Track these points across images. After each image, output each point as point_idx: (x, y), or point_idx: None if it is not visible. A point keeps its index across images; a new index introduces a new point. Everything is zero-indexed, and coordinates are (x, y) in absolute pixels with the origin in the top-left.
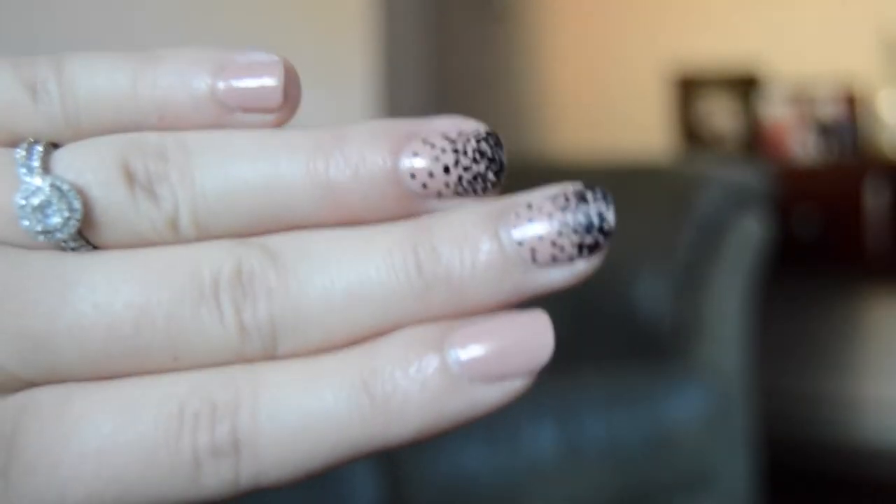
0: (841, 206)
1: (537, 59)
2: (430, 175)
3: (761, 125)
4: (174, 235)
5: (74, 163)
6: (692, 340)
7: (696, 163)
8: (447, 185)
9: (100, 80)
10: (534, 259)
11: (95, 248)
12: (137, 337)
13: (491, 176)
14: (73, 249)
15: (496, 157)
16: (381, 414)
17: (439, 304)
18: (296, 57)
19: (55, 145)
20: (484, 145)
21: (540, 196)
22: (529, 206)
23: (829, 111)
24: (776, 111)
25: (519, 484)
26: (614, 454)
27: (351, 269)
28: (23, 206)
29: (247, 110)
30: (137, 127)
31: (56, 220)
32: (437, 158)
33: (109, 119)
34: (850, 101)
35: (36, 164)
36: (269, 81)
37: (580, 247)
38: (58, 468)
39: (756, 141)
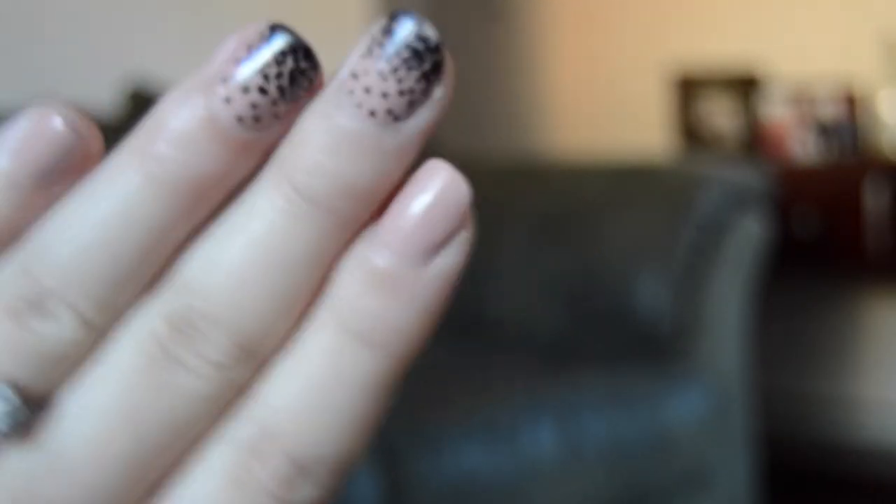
0: (841, 206)
1: (537, 59)
2: (252, 106)
3: (761, 125)
4: (93, 332)
5: None
6: (692, 340)
7: (696, 163)
8: (272, 102)
9: None
10: (392, 116)
11: (45, 398)
12: (145, 445)
13: (304, 65)
14: (30, 418)
15: (295, 45)
16: (382, 347)
17: (349, 213)
18: None
19: None
20: (277, 43)
21: (356, 60)
22: (355, 75)
23: (829, 111)
24: (776, 111)
25: (519, 484)
26: (614, 454)
27: (258, 246)
28: None
29: (55, 176)
30: None
31: (2, 423)
32: (245, 88)
33: None
34: (850, 102)
35: None
36: (50, 132)
37: (422, 78)
38: None
39: (756, 141)
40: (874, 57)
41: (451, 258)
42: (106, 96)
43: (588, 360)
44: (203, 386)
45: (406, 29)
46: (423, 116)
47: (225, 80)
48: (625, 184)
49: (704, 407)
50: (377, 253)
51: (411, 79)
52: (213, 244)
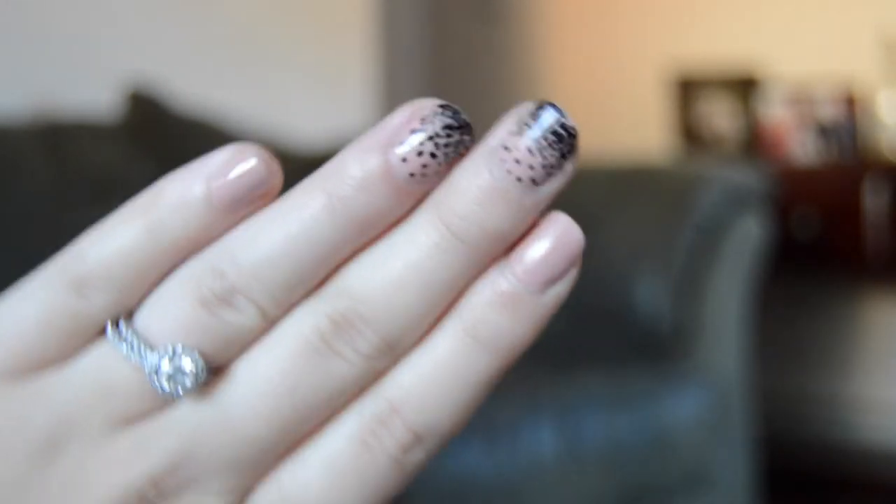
0: (841, 206)
1: (536, 61)
2: (423, 166)
3: (761, 126)
4: (268, 322)
5: (162, 327)
6: (692, 341)
7: (695, 163)
8: (439, 164)
9: (114, 248)
10: (533, 182)
11: (222, 367)
12: (299, 411)
13: (466, 138)
14: (208, 379)
15: (459, 121)
16: (497, 352)
17: (488, 251)
18: (296, 60)
19: (129, 313)
20: (442, 120)
21: (506, 136)
22: (506, 148)
23: (829, 112)
24: (776, 112)
25: (518, 484)
26: (614, 454)
27: (413, 269)
28: (156, 381)
29: (244, 203)
30: (174, 263)
31: (189, 382)
32: (420, 153)
33: (144, 272)
34: (850, 102)
35: (133, 341)
36: (252, 163)
37: (561, 157)
38: None
39: (755, 141)
40: (874, 57)
41: (562, 289)
42: (106, 97)
43: (588, 360)
44: (350, 370)
45: (551, 117)
46: (557, 182)
47: (402, 143)
48: (624, 184)
49: (704, 407)
50: (507, 280)
51: (553, 157)
52: (375, 262)
